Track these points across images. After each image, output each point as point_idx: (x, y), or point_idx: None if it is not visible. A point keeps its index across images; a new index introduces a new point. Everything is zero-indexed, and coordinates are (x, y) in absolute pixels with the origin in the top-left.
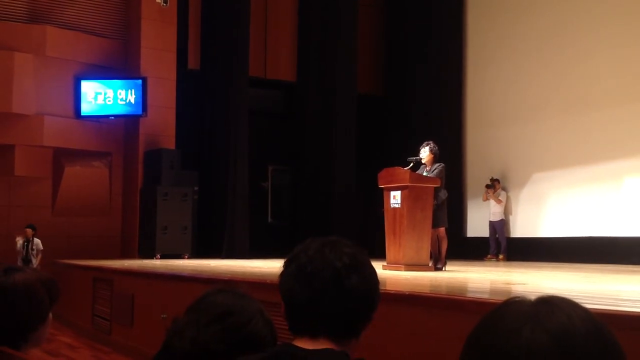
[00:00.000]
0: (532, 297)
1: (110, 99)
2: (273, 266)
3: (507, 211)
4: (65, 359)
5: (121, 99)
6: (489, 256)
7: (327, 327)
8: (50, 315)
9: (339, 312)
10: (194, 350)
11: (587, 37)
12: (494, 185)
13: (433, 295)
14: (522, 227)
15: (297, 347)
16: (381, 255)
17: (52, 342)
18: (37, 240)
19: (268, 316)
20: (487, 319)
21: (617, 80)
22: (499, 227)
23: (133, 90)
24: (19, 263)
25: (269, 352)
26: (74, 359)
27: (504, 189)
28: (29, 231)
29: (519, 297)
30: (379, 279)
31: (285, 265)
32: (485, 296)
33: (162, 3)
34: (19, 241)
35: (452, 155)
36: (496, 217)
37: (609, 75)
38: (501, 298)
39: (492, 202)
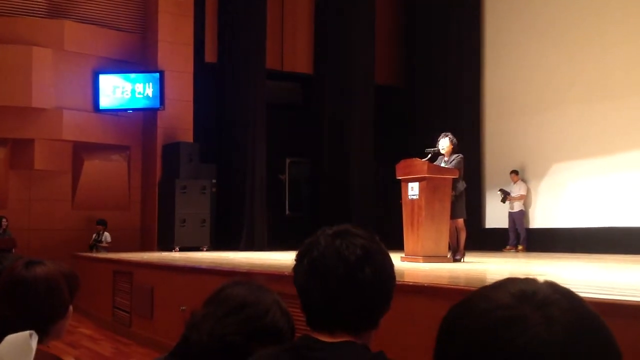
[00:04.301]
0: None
1: (128, 93)
2: (291, 258)
3: (526, 202)
4: (86, 350)
5: (139, 93)
6: (508, 247)
7: (345, 321)
8: (71, 307)
9: (356, 307)
10: (212, 342)
11: (607, 27)
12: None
13: (452, 287)
14: (542, 217)
15: (316, 339)
16: (399, 247)
17: (73, 334)
18: (106, 234)
19: (285, 308)
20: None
21: (637, 70)
22: (518, 218)
23: (151, 84)
24: None
25: (288, 344)
26: (95, 350)
27: (523, 180)
28: (100, 227)
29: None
30: (396, 269)
31: (298, 259)
32: None
33: None
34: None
35: (470, 147)
36: (515, 208)
37: (629, 65)
38: None
39: (512, 192)
